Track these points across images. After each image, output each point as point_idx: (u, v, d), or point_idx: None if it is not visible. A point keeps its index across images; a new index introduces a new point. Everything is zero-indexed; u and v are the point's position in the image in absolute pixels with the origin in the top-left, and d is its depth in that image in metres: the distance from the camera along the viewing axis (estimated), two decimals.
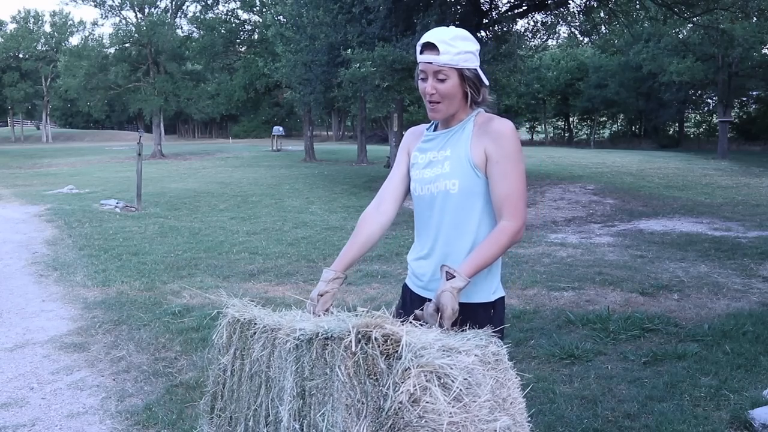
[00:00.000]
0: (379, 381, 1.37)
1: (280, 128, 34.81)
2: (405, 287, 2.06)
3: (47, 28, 54.46)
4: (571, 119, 47.95)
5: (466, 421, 1.31)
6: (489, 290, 1.89)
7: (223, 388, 1.89)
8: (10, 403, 3.40)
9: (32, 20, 54.07)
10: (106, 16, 34.85)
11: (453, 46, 1.81)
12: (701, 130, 41.31)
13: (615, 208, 11.49)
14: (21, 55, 53.40)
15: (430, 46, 1.82)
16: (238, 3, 32.59)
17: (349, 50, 12.59)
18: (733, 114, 32.95)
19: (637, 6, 16.85)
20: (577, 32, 21.03)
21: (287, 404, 1.59)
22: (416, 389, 1.29)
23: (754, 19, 18.50)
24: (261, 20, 30.51)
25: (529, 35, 17.33)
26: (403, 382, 1.30)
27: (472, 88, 1.86)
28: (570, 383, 3.53)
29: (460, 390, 1.31)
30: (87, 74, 32.10)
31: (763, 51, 27.96)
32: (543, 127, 49.90)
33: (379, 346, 1.37)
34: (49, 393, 3.54)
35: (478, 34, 14.85)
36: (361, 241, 1.97)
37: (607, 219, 10.37)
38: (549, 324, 4.57)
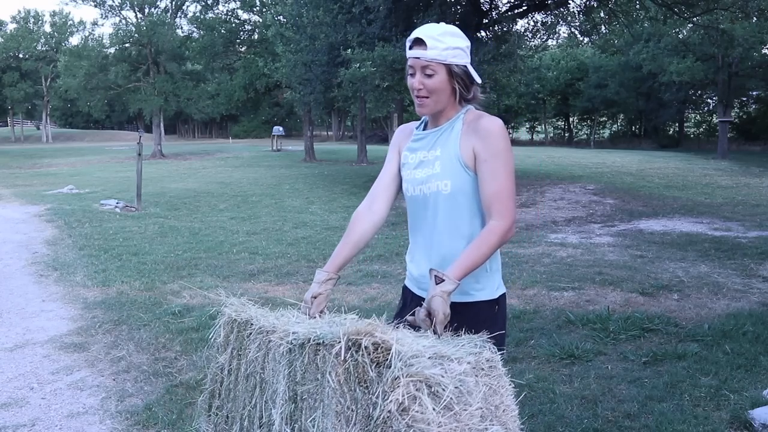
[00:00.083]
0: (369, 389, 1.37)
1: (280, 128, 34.81)
2: (405, 288, 2.06)
3: (47, 28, 54.51)
4: (571, 119, 47.96)
5: (457, 430, 1.30)
6: (493, 287, 1.89)
7: (221, 386, 1.89)
8: (10, 403, 3.40)
9: (32, 20, 54.09)
10: (106, 16, 34.90)
11: (441, 42, 1.80)
12: (701, 130, 41.34)
13: (615, 208, 11.49)
14: (21, 55, 53.41)
15: (418, 42, 1.81)
16: (238, 3, 32.60)
17: (349, 50, 12.59)
18: (733, 114, 32.96)
19: (637, 6, 16.85)
20: (577, 32, 21.05)
21: (279, 407, 1.59)
22: (405, 398, 1.28)
23: (754, 19, 18.51)
24: (261, 20, 30.51)
25: (529, 35, 17.34)
26: (392, 391, 1.30)
27: (460, 85, 1.84)
28: (570, 383, 3.53)
29: (451, 398, 1.30)
30: (87, 74, 32.12)
31: (763, 51, 27.97)
32: (543, 127, 49.90)
33: (369, 354, 1.36)
34: (49, 393, 3.54)
35: (478, 34, 14.87)
36: (353, 241, 1.96)
37: (607, 219, 10.37)
38: (549, 324, 4.57)
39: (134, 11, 34.25)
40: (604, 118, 45.62)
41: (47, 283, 6.04)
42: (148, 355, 4.09)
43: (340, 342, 1.40)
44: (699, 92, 36.32)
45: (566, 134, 47.91)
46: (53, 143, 51.27)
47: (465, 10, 14.06)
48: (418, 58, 1.81)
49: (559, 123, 49.55)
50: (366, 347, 1.36)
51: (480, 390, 1.40)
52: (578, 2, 16.08)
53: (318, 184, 15.93)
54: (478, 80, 1.89)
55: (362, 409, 1.37)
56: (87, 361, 4.01)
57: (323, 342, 1.47)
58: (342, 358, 1.39)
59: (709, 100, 37.91)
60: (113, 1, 33.37)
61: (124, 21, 34.01)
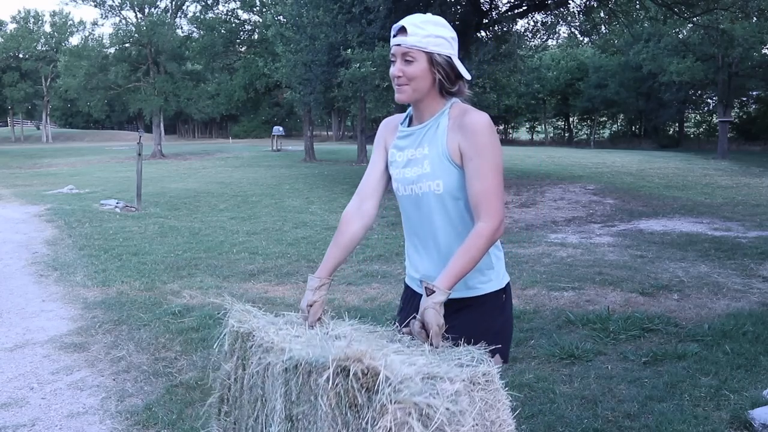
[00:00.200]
0: (360, 414, 1.37)
1: (280, 128, 34.81)
2: (406, 286, 2.05)
3: (47, 28, 54.53)
4: (571, 119, 47.99)
5: None
6: (499, 277, 1.89)
7: (229, 392, 1.89)
8: (10, 403, 3.40)
9: (32, 20, 54.10)
10: (106, 16, 34.89)
11: (422, 29, 1.77)
12: (701, 130, 41.35)
13: (615, 208, 11.49)
14: (21, 55, 53.43)
15: (402, 30, 1.79)
16: (238, 3, 32.61)
17: (349, 50, 12.59)
18: (733, 114, 32.97)
19: (637, 6, 16.86)
20: (577, 32, 21.04)
21: (276, 425, 1.60)
22: (393, 425, 1.28)
23: (754, 19, 18.52)
24: (261, 20, 30.51)
25: (529, 35, 17.35)
26: (381, 417, 1.29)
27: (441, 75, 1.79)
28: (570, 383, 3.53)
29: (442, 420, 1.29)
30: (87, 74, 32.14)
31: (763, 51, 27.97)
32: (543, 127, 49.93)
33: (358, 380, 1.36)
34: (49, 393, 3.54)
35: (478, 34, 14.87)
36: (344, 244, 1.94)
37: (607, 219, 10.37)
38: (549, 324, 4.57)
39: (134, 11, 34.26)
40: (604, 118, 45.64)
41: (47, 283, 6.04)
42: (148, 355, 4.09)
43: (329, 368, 1.39)
44: (699, 92, 36.33)
45: (566, 134, 47.92)
46: (53, 143, 51.27)
47: (465, 10, 14.06)
48: (399, 45, 1.78)
49: (559, 123, 49.57)
50: (355, 373, 1.36)
51: (475, 406, 1.39)
52: (578, 2, 16.09)
53: (318, 184, 15.93)
54: (467, 76, 1.84)
55: None
56: (87, 361, 4.01)
57: (314, 366, 1.46)
58: (331, 384, 1.39)
59: (709, 100, 37.93)
60: (113, 1, 33.40)
61: (124, 21, 34.05)
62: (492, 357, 1.80)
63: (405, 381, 1.31)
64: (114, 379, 3.72)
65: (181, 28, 36.55)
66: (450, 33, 1.82)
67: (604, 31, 20.31)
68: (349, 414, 1.39)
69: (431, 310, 1.59)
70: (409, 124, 1.92)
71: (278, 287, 5.87)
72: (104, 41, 36.41)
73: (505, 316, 1.90)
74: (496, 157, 1.74)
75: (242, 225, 9.70)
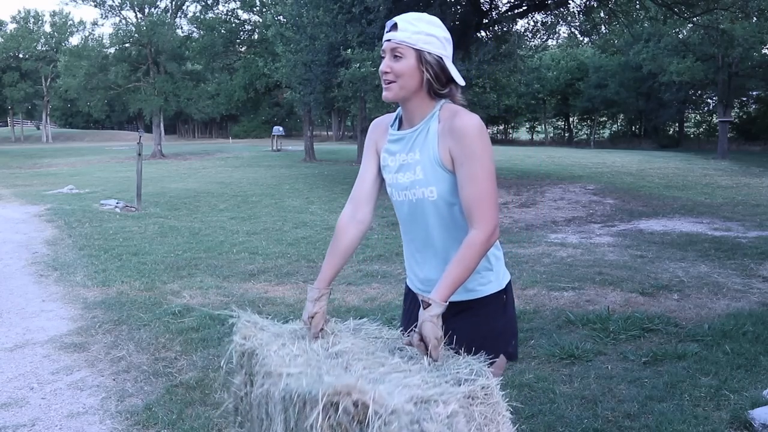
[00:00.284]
0: None
1: (280, 128, 34.81)
2: (407, 288, 2.05)
3: (47, 28, 54.54)
4: (571, 119, 48.00)
5: None
6: (498, 278, 1.87)
7: (241, 402, 1.90)
8: (10, 403, 3.40)
9: (32, 20, 54.11)
10: (106, 16, 34.89)
11: (413, 25, 1.73)
12: (701, 130, 41.37)
13: (615, 208, 11.49)
14: (21, 55, 53.45)
15: (394, 27, 1.76)
16: (238, 3, 32.62)
17: (349, 50, 12.60)
18: (733, 114, 32.98)
19: (637, 6, 16.86)
20: (577, 32, 21.06)
21: None
22: None
23: (754, 19, 18.52)
24: (261, 20, 30.51)
25: (529, 35, 17.36)
26: None
27: (430, 74, 1.74)
28: (570, 383, 3.53)
29: None
30: (87, 74, 32.14)
31: (763, 51, 27.98)
32: (543, 127, 49.94)
33: (349, 414, 1.36)
34: (49, 393, 3.54)
35: (478, 34, 14.88)
36: (341, 252, 1.92)
37: (607, 219, 10.37)
38: (549, 324, 4.57)
39: (134, 11, 34.27)
40: (604, 118, 45.65)
41: (47, 283, 6.04)
42: (148, 355, 4.09)
43: (320, 402, 1.40)
44: (699, 92, 36.35)
45: (566, 134, 47.93)
46: (53, 143, 51.28)
47: (465, 10, 14.07)
48: (389, 40, 1.75)
49: (559, 123, 49.58)
50: (345, 407, 1.37)
51: (474, 422, 1.39)
52: (578, 2, 16.10)
53: (318, 184, 15.93)
54: (460, 81, 1.79)
55: None
56: (87, 361, 4.01)
57: (307, 398, 1.47)
58: (323, 418, 1.40)
59: (709, 100, 37.94)
60: (113, 1, 33.41)
61: (124, 21, 34.06)
62: (497, 359, 1.81)
63: (395, 412, 1.31)
64: (114, 379, 3.72)
65: (181, 28, 36.60)
66: (443, 33, 1.78)
67: (604, 31, 20.33)
68: None
69: (428, 324, 1.58)
70: (399, 126, 1.88)
71: (278, 287, 5.87)
72: (104, 41, 36.44)
73: (507, 316, 1.90)
74: (488, 161, 1.70)
75: (242, 225, 9.71)
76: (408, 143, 1.81)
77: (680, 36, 26.18)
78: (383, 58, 1.77)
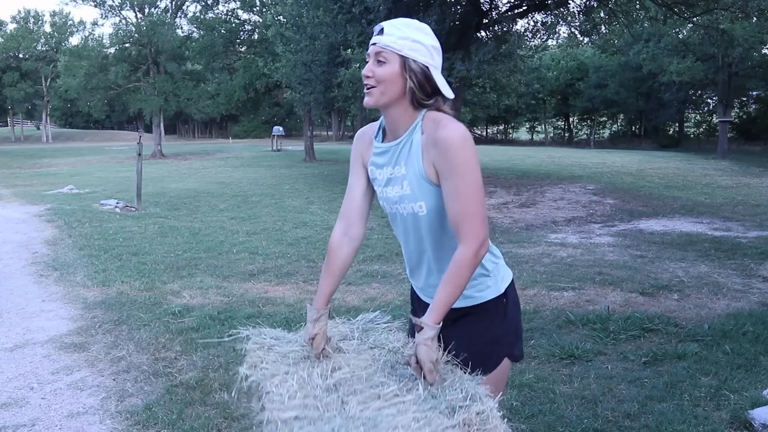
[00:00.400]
0: None
1: (280, 128, 34.81)
2: (412, 289, 2.04)
3: (47, 28, 54.52)
4: (571, 119, 48.00)
5: None
6: (497, 283, 1.85)
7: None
8: (10, 403, 3.40)
9: (32, 20, 54.10)
10: (106, 16, 34.81)
11: (400, 30, 1.68)
12: (701, 130, 41.37)
13: (615, 208, 11.49)
14: (21, 55, 53.44)
15: (381, 31, 1.72)
16: (238, 3, 32.56)
17: (349, 50, 12.60)
18: (733, 114, 32.99)
19: (637, 6, 16.85)
20: (577, 32, 21.05)
21: None
22: None
23: (754, 19, 18.51)
24: (261, 20, 30.49)
25: (529, 35, 17.32)
26: None
27: (414, 83, 1.67)
28: (570, 383, 3.53)
29: None
30: (87, 74, 32.12)
31: (763, 51, 27.99)
32: (543, 127, 49.93)
33: None
34: (49, 393, 3.54)
35: (478, 34, 14.87)
36: (336, 272, 1.90)
37: (607, 219, 10.37)
38: (549, 324, 4.57)
39: (134, 11, 34.25)
40: (604, 118, 45.65)
41: (47, 283, 6.04)
42: (148, 355, 4.09)
43: None
44: (699, 92, 36.34)
45: (566, 134, 47.93)
46: (53, 143, 51.28)
47: (465, 10, 14.06)
48: (375, 44, 1.70)
49: (559, 123, 49.57)
50: None
51: None
52: (578, 2, 16.09)
53: (318, 184, 15.93)
54: (448, 94, 1.72)
55: None
56: (87, 361, 4.01)
57: None
58: None
59: (709, 100, 37.94)
60: (113, 1, 33.36)
61: (124, 21, 34.02)
62: (500, 363, 1.81)
63: None
64: (114, 379, 3.72)
65: (181, 28, 36.55)
66: (431, 41, 1.71)
67: (604, 31, 20.30)
68: None
69: (423, 347, 1.56)
70: (384, 137, 1.83)
71: (278, 287, 5.87)
72: (104, 41, 36.38)
73: (508, 320, 1.87)
74: (474, 174, 1.63)
75: (242, 225, 9.70)
76: (393, 156, 1.76)
77: (680, 36, 26.17)
78: (367, 62, 1.73)
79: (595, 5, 16.15)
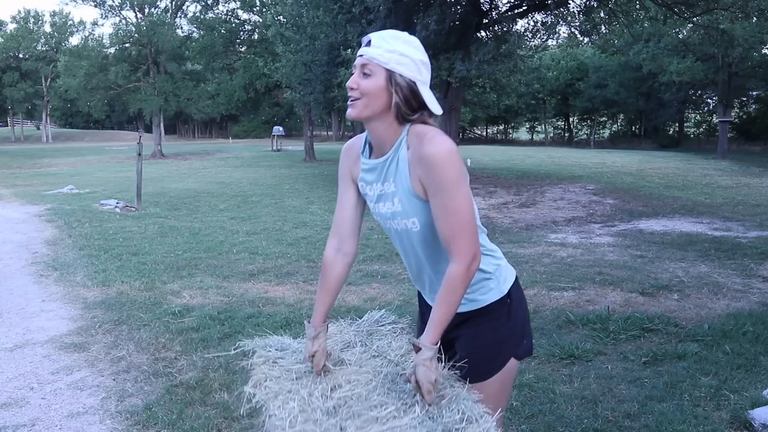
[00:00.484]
0: None
1: (280, 128, 34.83)
2: (419, 292, 2.03)
3: (47, 28, 54.51)
4: (571, 119, 48.02)
5: None
6: (499, 285, 1.84)
7: None
8: (10, 403, 3.40)
9: (32, 20, 54.09)
10: (106, 16, 34.81)
11: (387, 43, 1.65)
12: (701, 130, 41.39)
13: (615, 208, 11.49)
14: (21, 55, 53.43)
15: (368, 43, 1.68)
16: (238, 3, 32.56)
17: (349, 50, 12.60)
18: (733, 114, 33.00)
19: (637, 6, 16.86)
20: (577, 32, 21.05)
21: None
22: None
23: (754, 19, 18.50)
24: (261, 20, 30.49)
25: (529, 35, 17.32)
26: None
27: (400, 98, 1.64)
28: (570, 383, 3.53)
29: None
30: (87, 74, 32.13)
31: (763, 51, 28.00)
32: (543, 127, 49.95)
33: None
34: (49, 393, 3.54)
35: (478, 34, 14.88)
36: (331, 288, 1.89)
37: (607, 219, 10.37)
38: (549, 324, 4.57)
39: (134, 11, 34.25)
40: (604, 118, 45.67)
41: (47, 283, 6.04)
42: (148, 355, 4.09)
43: None
44: (699, 92, 36.35)
45: (566, 134, 47.95)
46: (53, 143, 51.29)
47: (465, 10, 14.07)
48: (361, 56, 1.67)
49: (559, 123, 49.60)
50: None
51: None
52: (578, 2, 16.10)
53: (318, 184, 15.94)
54: (436, 111, 1.68)
55: None
56: (87, 361, 4.01)
57: None
58: None
59: (709, 100, 37.95)
60: (113, 1, 33.37)
61: (124, 21, 34.03)
62: (506, 364, 1.81)
63: None
64: (114, 379, 3.72)
65: (181, 28, 36.54)
66: (419, 56, 1.68)
67: (604, 31, 20.29)
68: None
69: (422, 368, 1.56)
70: (370, 153, 1.80)
71: (278, 287, 5.87)
72: (104, 41, 36.38)
73: (513, 320, 1.86)
74: (461, 189, 1.61)
75: (242, 225, 9.71)
76: (381, 173, 1.74)
77: (680, 36, 26.17)
78: (353, 74, 1.70)
79: (595, 5, 16.16)
